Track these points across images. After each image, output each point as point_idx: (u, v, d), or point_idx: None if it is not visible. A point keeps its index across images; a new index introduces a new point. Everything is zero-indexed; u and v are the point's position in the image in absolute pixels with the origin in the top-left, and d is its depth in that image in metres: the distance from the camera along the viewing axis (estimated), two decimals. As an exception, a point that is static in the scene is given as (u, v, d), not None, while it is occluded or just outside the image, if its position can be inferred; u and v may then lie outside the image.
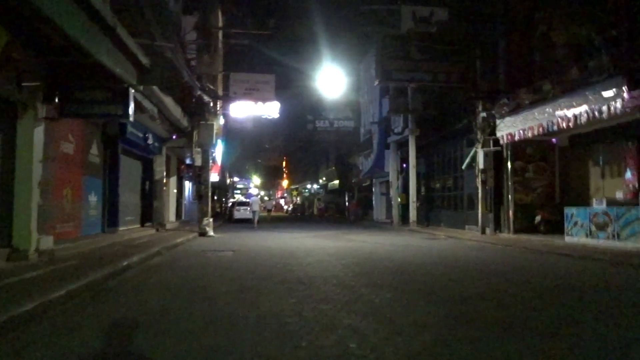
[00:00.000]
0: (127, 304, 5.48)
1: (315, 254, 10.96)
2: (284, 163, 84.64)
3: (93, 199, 12.26)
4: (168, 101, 14.24)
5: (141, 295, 6.00)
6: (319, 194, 58.91)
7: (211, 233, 17.13)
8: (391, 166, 26.35)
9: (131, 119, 8.68)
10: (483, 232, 17.09)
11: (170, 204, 21.72)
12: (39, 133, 8.22)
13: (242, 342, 3.88)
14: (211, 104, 17.45)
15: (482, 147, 17.14)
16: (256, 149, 76.49)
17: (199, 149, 17.31)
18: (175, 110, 15.58)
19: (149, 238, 13.87)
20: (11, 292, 5.40)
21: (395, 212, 25.70)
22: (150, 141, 15.86)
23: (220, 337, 4.00)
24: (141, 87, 8.93)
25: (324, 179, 50.33)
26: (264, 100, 22.45)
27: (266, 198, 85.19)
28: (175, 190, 22.56)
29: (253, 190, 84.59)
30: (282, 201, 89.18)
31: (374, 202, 34.66)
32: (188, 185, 27.44)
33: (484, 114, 17.03)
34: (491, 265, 9.38)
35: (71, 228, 10.80)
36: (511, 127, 15.85)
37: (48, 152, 9.33)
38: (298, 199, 73.90)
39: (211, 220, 17.39)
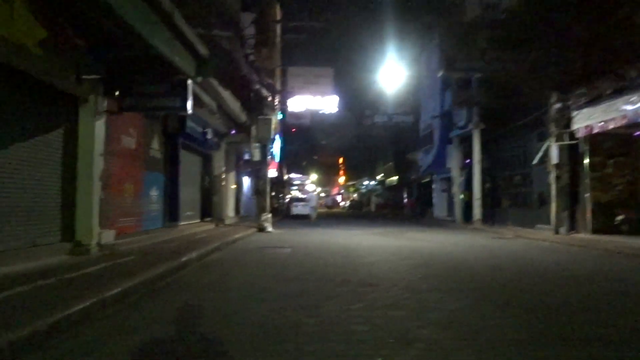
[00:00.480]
0: (182, 305, 5.19)
1: (377, 252, 10.42)
2: (340, 159, 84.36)
3: (154, 193, 12.30)
4: (226, 95, 14.12)
5: (197, 295, 5.72)
6: (376, 190, 58.10)
7: (269, 229, 16.96)
8: (453, 162, 25.28)
9: (190, 111, 8.48)
10: (557, 232, 15.90)
11: (229, 199, 21.79)
12: (100, 127, 8.17)
13: (305, 354, 3.45)
14: (269, 99, 17.24)
15: (556, 141, 15.93)
16: (313, 146, 76.71)
17: (257, 144, 17.18)
18: (234, 105, 15.47)
19: (208, 233, 13.83)
20: (70, 288, 5.25)
21: (457, 209, 24.66)
22: (209, 136, 15.85)
23: (279, 348, 3.59)
24: (199, 79, 8.74)
25: (382, 175, 49.50)
26: (323, 94, 22.12)
27: (322, 194, 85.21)
28: (233, 186, 22.63)
29: (309, 187, 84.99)
30: (338, 197, 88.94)
31: (434, 199, 33.57)
32: (246, 181, 27.56)
33: (558, 106, 15.81)
34: (571, 269, 8.51)
35: (132, 223, 10.84)
36: (589, 119, 14.61)
37: (109, 146, 9.34)
38: (355, 195, 73.38)
39: (269, 215, 17.22)
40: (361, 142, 52.37)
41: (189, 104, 8.51)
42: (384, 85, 29.53)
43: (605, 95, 13.74)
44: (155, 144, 12.39)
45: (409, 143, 37.40)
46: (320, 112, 22.74)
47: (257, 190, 17.55)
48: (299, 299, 5.39)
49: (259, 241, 13.17)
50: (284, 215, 33.69)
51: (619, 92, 13.31)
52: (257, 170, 17.56)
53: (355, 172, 69.32)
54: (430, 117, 29.99)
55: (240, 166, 24.69)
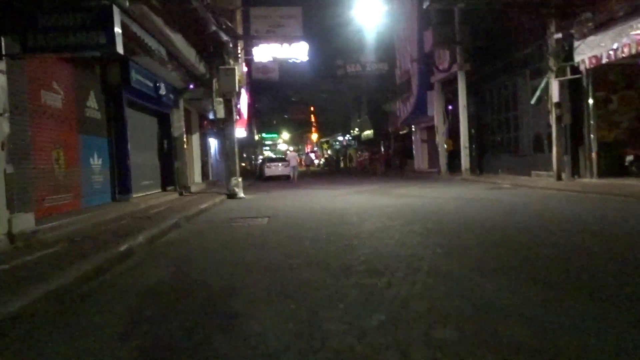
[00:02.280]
0: (102, 337, 3.29)
1: (371, 217, 8.65)
2: (312, 116, 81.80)
3: (96, 162, 10.16)
4: (177, 39, 11.81)
5: (130, 310, 3.81)
6: (351, 145, 56.31)
7: (241, 194, 15.03)
8: (436, 109, 23.54)
9: (119, 49, 6.35)
10: (559, 177, 14.45)
11: (195, 164, 19.68)
12: (-6, 76, 5.98)
13: None
14: (230, 45, 14.93)
15: (556, 76, 14.23)
16: (283, 103, 73.98)
17: (220, 99, 14.98)
18: (189, 53, 13.16)
19: (169, 205, 11.83)
20: None
21: (442, 160, 23.10)
22: (162, 92, 13.58)
23: None
24: (126, 3, 6.56)
25: (357, 129, 47.62)
26: (291, 40, 19.82)
27: (294, 153, 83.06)
28: (198, 149, 20.46)
29: (282, 146, 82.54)
30: (312, 155, 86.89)
31: (414, 151, 32.01)
32: (214, 143, 25.33)
33: (558, 35, 14.02)
34: (606, 223, 6.96)
35: (67, 200, 8.76)
36: (596, 48, 12.91)
37: (22, 104, 7.15)
38: (329, 152, 71.51)
39: (240, 179, 15.25)
40: (334, 96, 50.11)
41: (118, 40, 6.37)
42: (358, 24, 26.95)
43: (618, 18, 11.99)
44: (93, 102, 10.14)
45: (384, 93, 35.42)
46: (290, 60, 20.41)
47: (225, 153, 15.45)
48: (284, 306, 3.55)
49: (229, 210, 11.26)
50: (257, 177, 31.69)
51: (634, 13, 11.57)
52: (222, 128, 15.41)
53: (329, 128, 67.23)
54: (408, 62, 27.98)
55: (205, 127, 22.42)
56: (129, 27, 8.61)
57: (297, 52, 20.73)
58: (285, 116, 79.09)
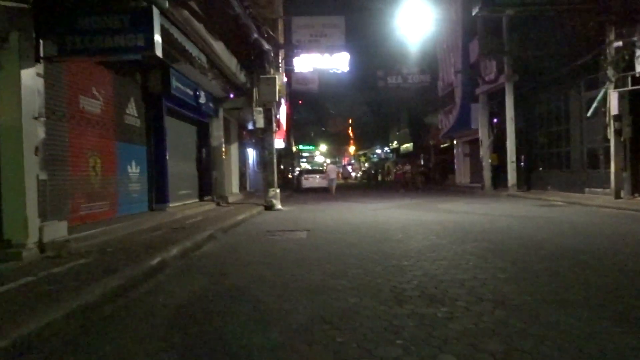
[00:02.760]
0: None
1: (417, 233, 8.07)
2: (350, 129, 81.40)
3: (134, 170, 9.97)
4: (219, 47, 11.61)
5: (154, 337, 3.40)
6: (389, 158, 55.52)
7: (279, 206, 14.67)
8: (480, 122, 22.63)
9: (158, 52, 6.06)
10: (617, 195, 13.43)
11: (232, 174, 19.49)
12: (31, 78, 5.80)
13: None
14: (272, 55, 14.69)
15: (616, 86, 13.30)
16: (321, 116, 73.99)
17: (260, 109, 14.72)
18: (229, 61, 12.96)
19: (206, 215, 11.55)
20: None
21: (486, 174, 22.16)
22: (202, 100, 13.41)
23: None
24: (166, 4, 6.29)
25: (395, 142, 46.86)
26: (332, 50, 19.51)
27: (334, 165, 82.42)
28: (237, 159, 20.30)
29: (319, 158, 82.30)
30: (349, 168, 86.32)
31: (455, 165, 31.06)
32: (252, 154, 25.20)
33: (618, 44, 13.12)
34: None
35: (104, 208, 8.55)
36: (662, 57, 11.96)
37: (55, 107, 6.97)
38: (366, 164, 70.83)
39: (278, 191, 14.90)
40: (373, 108, 49.61)
41: (157, 42, 6.09)
42: (400, 35, 26.28)
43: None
44: (132, 109, 10.00)
45: (425, 106, 34.68)
46: (331, 71, 20.10)
47: (263, 162, 15.15)
48: (332, 343, 3.05)
49: (267, 222, 10.87)
50: (293, 189, 31.40)
51: None
52: (261, 138, 15.13)
53: (367, 140, 66.59)
54: (452, 73, 27.20)
55: (243, 137, 22.30)
56: (169, 32, 8.41)
57: (338, 62, 20.42)
58: (323, 128, 79.16)
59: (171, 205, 11.61)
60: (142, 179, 10.39)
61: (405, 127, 41.92)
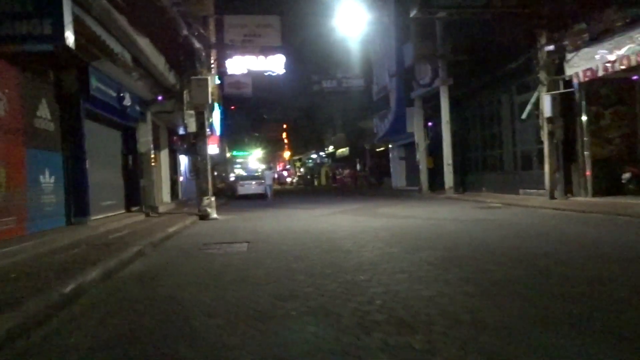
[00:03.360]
0: None
1: (367, 242, 7.59)
2: (284, 134, 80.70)
3: (48, 180, 8.81)
4: (145, 44, 10.65)
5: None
6: (324, 163, 55.45)
7: (214, 215, 13.78)
8: (416, 125, 22.79)
9: (69, 41, 5.19)
10: (552, 196, 13.73)
11: (163, 182, 18.32)
12: None
13: None
14: (203, 54, 13.82)
15: (548, 90, 13.60)
16: (255, 121, 72.94)
17: (191, 112, 13.82)
18: (158, 60, 11.99)
19: (133, 228, 10.51)
20: None
21: (423, 178, 22.32)
22: (127, 102, 12.31)
23: None
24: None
25: (331, 147, 46.77)
26: (267, 52, 18.86)
27: (270, 171, 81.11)
28: (167, 166, 19.12)
29: (253, 164, 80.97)
30: (285, 173, 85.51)
31: (391, 169, 31.27)
32: (184, 160, 23.97)
33: (549, 47, 13.43)
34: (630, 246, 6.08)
35: (11, 225, 7.41)
36: (591, 61, 12.33)
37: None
38: (301, 170, 70.45)
39: (213, 199, 14.01)
40: (308, 113, 49.31)
41: (68, 31, 5.20)
42: (337, 38, 26.05)
43: (615, 29, 11.41)
44: (45, 111, 8.84)
45: (361, 110, 34.74)
46: (266, 73, 19.42)
47: (196, 169, 14.22)
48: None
49: (202, 234, 10.02)
50: (229, 196, 30.32)
51: (633, 23, 11.01)
52: (193, 144, 14.19)
53: (301, 145, 66.17)
54: (386, 77, 27.30)
55: (174, 142, 21.11)
56: (85, 24, 7.43)
57: (274, 64, 19.76)
58: (257, 134, 78.18)
59: (93, 218, 10.48)
60: (58, 190, 9.23)
61: (341, 131, 41.91)
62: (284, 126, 77.94)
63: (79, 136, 9.77)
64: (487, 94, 18.25)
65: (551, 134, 13.69)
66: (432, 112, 22.54)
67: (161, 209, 15.49)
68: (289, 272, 5.46)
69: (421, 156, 22.40)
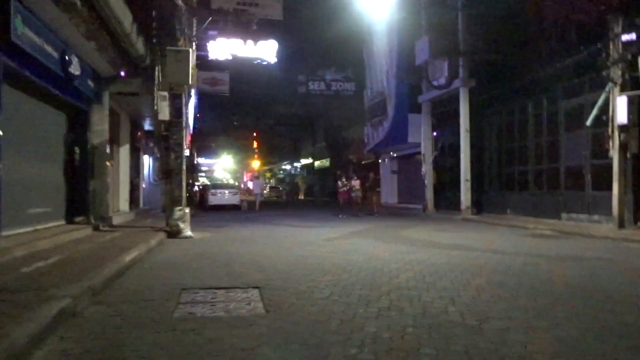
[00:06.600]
0: None
1: (441, 286, 4.39)
2: (254, 142, 76.74)
3: None
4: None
5: None
6: (298, 175, 52.27)
7: (188, 232, 10.33)
8: (423, 134, 19.84)
9: None
10: (622, 224, 10.89)
11: (121, 186, 14.66)
12: None
13: None
14: (185, 18, 10.46)
15: (622, 89, 10.82)
16: (225, 125, 68.94)
17: (165, 93, 10.39)
18: (123, 13, 8.53)
19: (70, 251, 6.99)
20: None
21: (429, 195, 19.36)
22: (76, 71, 8.79)
23: None
24: None
25: (310, 157, 43.55)
26: (256, 37, 15.69)
27: (231, 181, 75.99)
28: (127, 166, 15.46)
29: (218, 174, 76.48)
30: (250, 184, 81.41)
31: (381, 183, 28.25)
32: (148, 161, 20.29)
33: (628, 37, 10.66)
34: None
35: None
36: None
37: None
38: (272, 181, 66.84)
39: (187, 210, 10.55)
40: (285, 120, 45.99)
41: None
42: (325, 37, 23.05)
43: None
44: None
45: (348, 117, 31.74)
46: (256, 61, 16.19)
47: (167, 170, 10.73)
48: None
49: (177, 265, 6.60)
50: (197, 207, 26.58)
51: None
52: (165, 136, 10.69)
53: (274, 155, 62.58)
54: (384, 81, 24.36)
55: (138, 138, 17.46)
56: None
57: (264, 51, 16.58)
58: (227, 139, 73.58)
59: (8, 233, 6.90)
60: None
61: (322, 140, 38.75)
62: (254, 134, 74.07)
63: (-11, 107, 6.22)
64: (518, 99, 15.44)
65: (623, 146, 10.89)
66: (439, 120, 19.69)
67: (116, 221, 11.88)
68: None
69: (428, 170, 19.43)
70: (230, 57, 16.18)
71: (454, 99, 17.14)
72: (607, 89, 11.07)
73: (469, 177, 16.52)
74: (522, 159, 15.57)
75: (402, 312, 3.99)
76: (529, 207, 14.84)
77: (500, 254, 7.74)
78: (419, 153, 20.65)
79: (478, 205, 17.32)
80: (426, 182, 19.47)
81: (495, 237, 10.39)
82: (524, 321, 3.72)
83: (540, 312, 4.00)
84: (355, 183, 20.36)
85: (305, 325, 3.65)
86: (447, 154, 19.61)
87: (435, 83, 17.94)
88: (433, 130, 20.00)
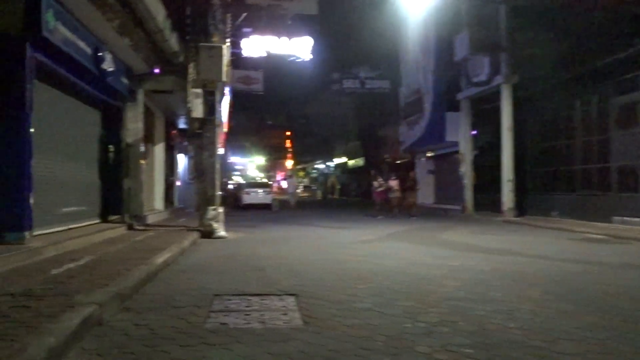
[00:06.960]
0: None
1: (467, 302, 3.93)
2: (287, 142, 76.66)
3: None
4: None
5: None
6: (331, 174, 51.87)
7: (222, 232, 10.12)
8: (462, 133, 19.17)
9: None
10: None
11: (156, 185, 14.64)
12: None
13: None
14: (219, 13, 10.25)
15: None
16: (258, 124, 69.24)
17: (198, 91, 10.20)
18: (156, 8, 8.36)
19: (102, 252, 6.83)
20: None
21: (468, 195, 18.68)
22: (109, 67, 8.68)
23: None
24: None
25: (344, 157, 43.10)
26: (291, 34, 15.41)
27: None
28: (162, 165, 15.44)
29: (252, 172, 76.87)
30: (283, 183, 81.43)
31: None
32: (182, 160, 20.30)
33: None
34: None
35: None
36: None
37: None
38: (305, 180, 66.63)
39: (221, 210, 10.36)
40: (318, 119, 45.72)
41: None
42: (360, 35, 22.61)
43: None
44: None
45: (382, 116, 31.18)
46: (290, 59, 15.96)
47: (199, 169, 10.55)
48: None
49: (208, 268, 6.35)
50: (230, 206, 26.57)
51: None
52: (198, 133, 10.51)
53: (307, 154, 62.28)
54: (420, 78, 23.72)
55: (173, 137, 17.45)
56: None
57: (299, 48, 16.32)
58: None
59: (41, 232, 6.80)
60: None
61: (355, 139, 38.25)
62: (287, 133, 73.97)
63: (20, 103, 6.08)
64: (564, 95, 14.65)
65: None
66: (478, 118, 18.98)
67: (151, 219, 11.82)
68: None
69: (467, 170, 18.76)
70: (264, 54, 16.01)
71: (495, 95, 16.45)
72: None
73: (511, 177, 15.80)
74: (568, 158, 14.77)
75: (455, 329, 3.57)
76: (576, 209, 14.05)
77: (551, 260, 7.19)
78: (457, 152, 20.01)
79: (519, 207, 16.56)
80: (465, 182, 18.79)
81: (542, 241, 9.78)
82: (601, 344, 3.25)
83: (617, 332, 3.52)
84: (394, 183, 19.52)
85: (348, 341, 3.29)
86: (486, 153, 18.88)
87: (475, 80, 17.26)
88: (472, 129, 19.30)
